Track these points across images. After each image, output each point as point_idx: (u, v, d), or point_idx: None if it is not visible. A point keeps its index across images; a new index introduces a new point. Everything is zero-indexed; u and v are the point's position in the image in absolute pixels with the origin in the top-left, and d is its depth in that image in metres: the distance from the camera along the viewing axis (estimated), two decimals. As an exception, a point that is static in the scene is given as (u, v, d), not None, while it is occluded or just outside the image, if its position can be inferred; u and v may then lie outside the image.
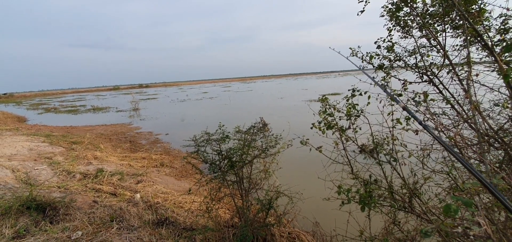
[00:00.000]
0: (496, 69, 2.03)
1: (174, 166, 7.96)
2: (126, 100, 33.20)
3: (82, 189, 4.84)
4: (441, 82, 2.13)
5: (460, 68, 2.12)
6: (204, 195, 4.48)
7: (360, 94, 2.14)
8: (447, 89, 2.10)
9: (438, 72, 2.16)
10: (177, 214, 4.11)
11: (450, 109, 2.11)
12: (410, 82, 2.20)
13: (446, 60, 2.15)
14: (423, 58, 2.30)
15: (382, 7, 2.41)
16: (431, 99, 2.05)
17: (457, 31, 2.32)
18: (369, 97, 2.13)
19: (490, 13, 2.07)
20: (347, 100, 2.16)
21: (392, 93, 2.07)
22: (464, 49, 2.23)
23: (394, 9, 2.35)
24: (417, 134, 1.92)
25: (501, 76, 1.71)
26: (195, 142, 2.93)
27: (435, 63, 2.25)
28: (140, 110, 22.70)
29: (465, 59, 2.10)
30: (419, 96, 2.06)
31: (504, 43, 1.95)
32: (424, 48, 2.37)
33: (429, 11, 2.28)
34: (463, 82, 2.05)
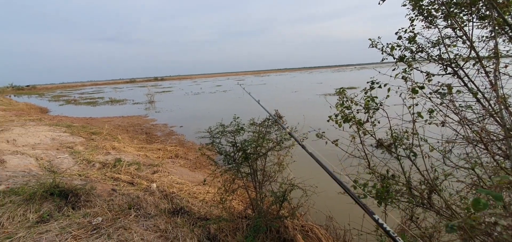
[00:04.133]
0: (527, 61, 1.92)
1: (188, 157, 8.08)
2: (142, 93, 33.96)
3: (101, 177, 5.02)
4: (466, 75, 2.03)
5: (487, 60, 2.01)
6: (218, 187, 4.55)
7: (379, 86, 2.07)
8: (472, 82, 2.01)
9: (464, 65, 2.07)
10: (192, 204, 4.19)
11: (475, 103, 2.01)
12: (433, 75, 2.11)
13: (472, 52, 2.05)
14: (448, 50, 2.20)
15: (404, -5, 2.31)
16: (458, 91, 1.96)
17: (484, 21, 2.20)
18: (388, 90, 2.07)
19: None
20: (365, 93, 2.11)
21: (413, 85, 1.99)
22: (492, 40, 2.12)
23: (417, -2, 2.25)
24: (443, 125, 1.85)
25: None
26: (210, 134, 2.96)
27: (460, 54, 2.15)
28: (156, 103, 23.16)
29: (493, 51, 1.99)
30: (443, 88, 1.97)
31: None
32: (448, 39, 2.26)
33: (454, 0, 2.18)
34: (490, 75, 1.95)
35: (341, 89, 2.17)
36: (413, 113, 1.99)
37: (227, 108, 17.58)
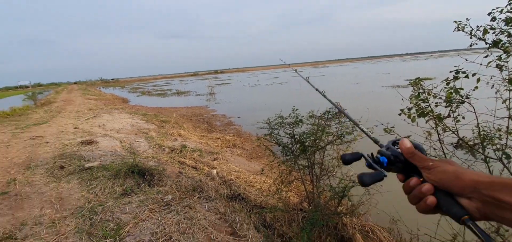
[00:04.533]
0: None
1: (245, 147, 8.37)
2: (204, 85, 36.33)
3: (170, 160, 5.60)
4: None
5: None
6: (274, 178, 4.61)
7: (466, 76, 1.78)
8: None
9: None
10: (248, 192, 4.36)
11: None
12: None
13: None
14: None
15: (501, -32, 1.92)
16: None
17: None
18: (478, 80, 1.76)
19: None
20: (447, 83, 1.84)
21: None
22: None
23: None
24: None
25: None
26: (268, 125, 3.01)
27: None
28: (216, 94, 24.52)
29: None
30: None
31: None
32: None
33: None
34: None
35: (417, 80, 1.93)
36: (510, 109, 1.66)
37: (283, 101, 17.56)
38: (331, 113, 2.90)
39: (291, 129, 2.90)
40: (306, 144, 2.78)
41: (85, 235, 2.65)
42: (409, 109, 1.92)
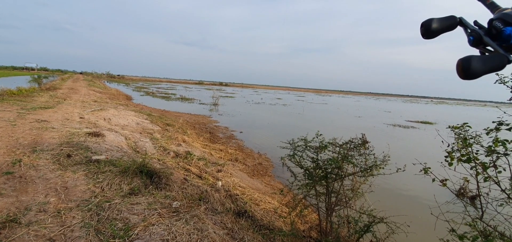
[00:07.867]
0: None
1: (247, 163, 8.29)
2: (208, 95, 36.49)
3: (175, 165, 5.52)
4: None
5: None
6: (279, 200, 4.54)
7: (509, 129, 1.78)
8: None
9: None
10: (254, 210, 4.27)
11: None
12: None
13: None
14: None
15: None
16: None
17: None
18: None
19: None
20: (487, 133, 1.85)
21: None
22: None
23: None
24: None
25: None
26: (292, 145, 2.99)
27: None
28: (219, 106, 24.58)
29: None
30: None
31: None
32: None
33: None
34: None
35: (464, 124, 1.93)
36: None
37: (286, 122, 17.60)
38: (353, 143, 2.89)
39: (316, 154, 2.88)
40: (329, 170, 2.75)
41: (93, 231, 2.56)
42: (449, 153, 1.91)
